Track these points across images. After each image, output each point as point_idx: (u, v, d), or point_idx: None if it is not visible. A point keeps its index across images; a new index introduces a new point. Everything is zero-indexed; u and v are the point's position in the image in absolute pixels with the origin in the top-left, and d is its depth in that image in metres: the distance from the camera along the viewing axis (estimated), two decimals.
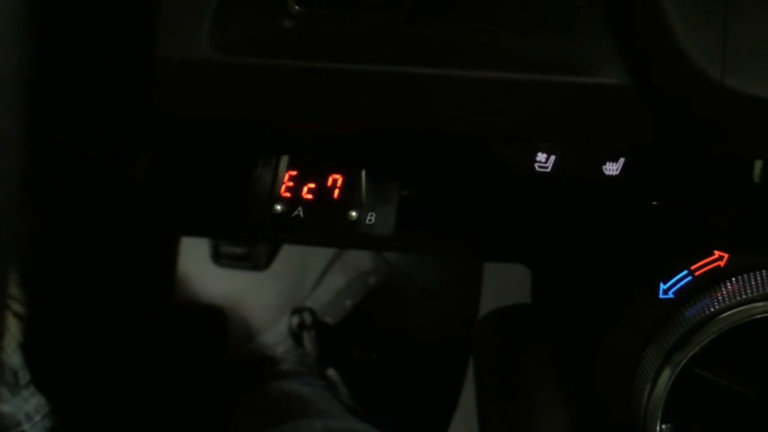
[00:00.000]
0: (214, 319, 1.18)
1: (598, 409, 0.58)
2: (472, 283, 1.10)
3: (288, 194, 0.55)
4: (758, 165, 0.49)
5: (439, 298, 1.13)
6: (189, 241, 1.20)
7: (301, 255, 1.20)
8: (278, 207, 0.55)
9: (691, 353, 0.51)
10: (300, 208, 0.55)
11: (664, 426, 0.52)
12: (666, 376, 0.52)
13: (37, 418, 0.71)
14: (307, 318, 1.10)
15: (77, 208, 0.61)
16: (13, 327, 0.75)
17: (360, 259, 1.14)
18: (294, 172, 0.55)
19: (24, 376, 0.72)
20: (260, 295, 1.20)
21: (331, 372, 1.04)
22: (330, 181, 0.55)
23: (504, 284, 1.05)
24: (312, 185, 0.55)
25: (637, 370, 0.54)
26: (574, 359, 0.60)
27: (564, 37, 0.44)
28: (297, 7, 0.46)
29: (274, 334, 1.13)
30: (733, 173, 0.50)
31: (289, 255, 1.21)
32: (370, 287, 1.12)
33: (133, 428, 0.95)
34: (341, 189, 0.55)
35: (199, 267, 1.21)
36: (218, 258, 1.20)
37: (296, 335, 1.10)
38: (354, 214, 0.54)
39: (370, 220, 0.54)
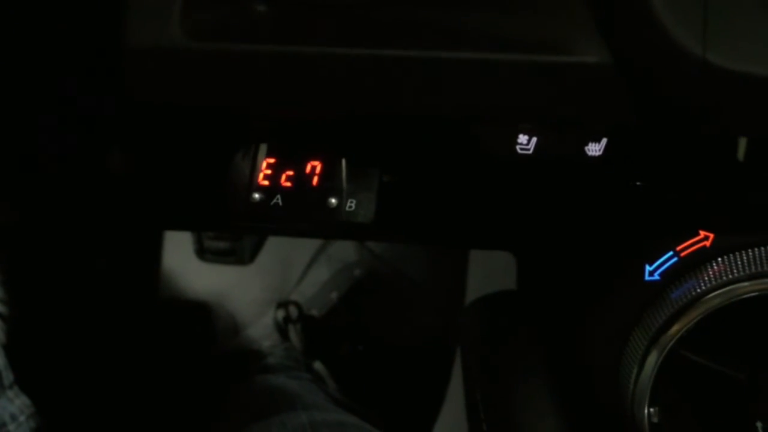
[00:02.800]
0: (200, 314, 1.17)
1: (584, 393, 0.57)
2: (458, 273, 1.09)
3: (266, 182, 0.54)
4: (742, 143, 0.49)
5: (425, 289, 1.13)
6: (173, 236, 1.19)
7: (286, 248, 1.20)
8: (256, 196, 0.54)
9: (677, 335, 0.51)
10: (278, 197, 0.54)
11: (651, 409, 0.52)
12: (653, 360, 0.51)
13: (22, 418, 0.70)
14: (293, 311, 1.10)
15: (55, 202, 0.60)
16: None
17: (345, 251, 1.13)
18: (272, 160, 0.54)
19: (8, 377, 0.71)
20: (245, 290, 1.20)
21: (317, 365, 1.04)
22: (309, 168, 0.54)
23: (490, 273, 1.04)
24: (290, 173, 0.54)
25: (624, 354, 0.53)
26: (560, 344, 0.59)
27: (543, 16, 0.43)
28: None
29: (260, 328, 1.13)
30: (717, 151, 0.50)
31: (273, 249, 1.21)
32: (356, 279, 1.12)
33: (120, 426, 0.95)
34: (320, 176, 0.54)
35: (183, 263, 1.20)
36: (202, 253, 1.20)
37: (282, 329, 1.09)
38: (333, 201, 0.54)
39: (350, 207, 0.53)
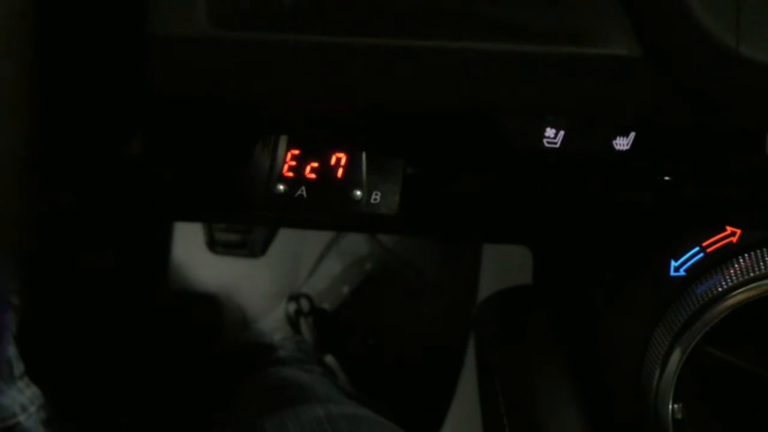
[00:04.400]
0: (210, 307, 1.17)
1: (606, 389, 0.57)
2: (470, 268, 1.09)
3: (290, 174, 0.54)
4: None
5: (436, 283, 1.12)
6: (184, 228, 1.19)
7: (297, 241, 1.20)
8: (281, 187, 0.54)
9: (702, 332, 0.50)
10: (303, 188, 0.54)
11: (675, 405, 0.52)
12: (677, 356, 0.51)
13: (32, 409, 0.70)
14: (304, 304, 1.09)
15: (72, 191, 0.60)
16: None
17: (356, 245, 1.13)
18: (297, 151, 0.54)
19: (18, 367, 0.71)
20: (256, 282, 1.20)
21: (329, 358, 1.04)
22: (333, 160, 0.54)
23: (503, 269, 1.04)
24: (315, 164, 0.54)
25: (647, 350, 0.53)
26: (580, 340, 0.59)
27: (573, 8, 0.43)
28: None
29: (271, 321, 1.12)
30: (745, 146, 0.49)
31: (285, 241, 1.20)
32: (367, 272, 1.11)
33: (129, 417, 0.94)
34: (345, 168, 0.54)
35: (194, 255, 1.20)
36: (213, 245, 1.19)
37: (293, 322, 1.09)
38: (358, 193, 0.53)
39: (374, 199, 0.53)
